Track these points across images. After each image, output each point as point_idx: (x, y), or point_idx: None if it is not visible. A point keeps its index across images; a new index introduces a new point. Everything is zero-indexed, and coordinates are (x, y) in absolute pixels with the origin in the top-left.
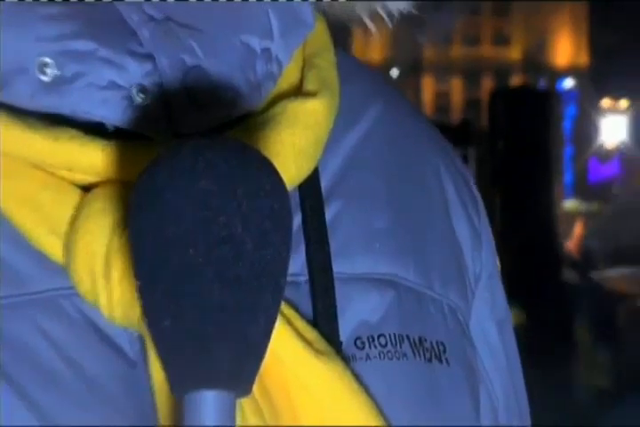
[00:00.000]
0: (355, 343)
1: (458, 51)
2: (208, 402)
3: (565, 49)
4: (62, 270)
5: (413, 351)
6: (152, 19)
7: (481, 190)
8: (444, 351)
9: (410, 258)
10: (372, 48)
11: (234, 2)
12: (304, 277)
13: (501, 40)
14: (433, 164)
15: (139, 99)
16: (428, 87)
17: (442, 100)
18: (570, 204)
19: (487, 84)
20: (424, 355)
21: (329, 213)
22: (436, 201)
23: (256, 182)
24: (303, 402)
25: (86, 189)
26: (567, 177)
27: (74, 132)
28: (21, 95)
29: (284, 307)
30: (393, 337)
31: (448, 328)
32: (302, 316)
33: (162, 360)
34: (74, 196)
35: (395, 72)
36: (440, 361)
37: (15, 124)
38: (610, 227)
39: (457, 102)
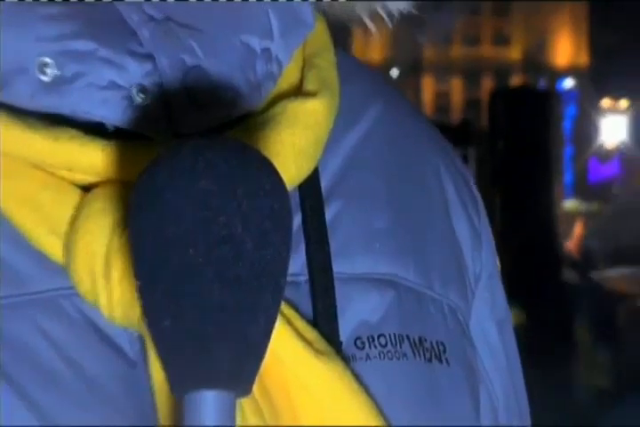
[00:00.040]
0: (355, 343)
1: (458, 51)
2: (208, 402)
3: (565, 49)
4: (62, 270)
5: (413, 351)
6: (152, 19)
7: (481, 190)
8: (444, 351)
9: (410, 258)
10: (372, 48)
11: (234, 2)
12: (304, 277)
13: (501, 40)
14: (433, 164)
15: (139, 99)
16: (428, 87)
17: (442, 100)
18: (570, 204)
19: (487, 84)
20: (424, 355)
21: (329, 213)
22: (436, 201)
23: (256, 182)
24: (303, 402)
25: (86, 189)
26: (567, 177)
27: (74, 132)
28: (21, 95)
29: (283, 307)
30: (393, 337)
31: (448, 328)
32: (302, 316)
33: (162, 360)
34: (74, 196)
35: (395, 72)
36: (440, 361)
37: (15, 124)
38: (610, 227)
39: (457, 102)
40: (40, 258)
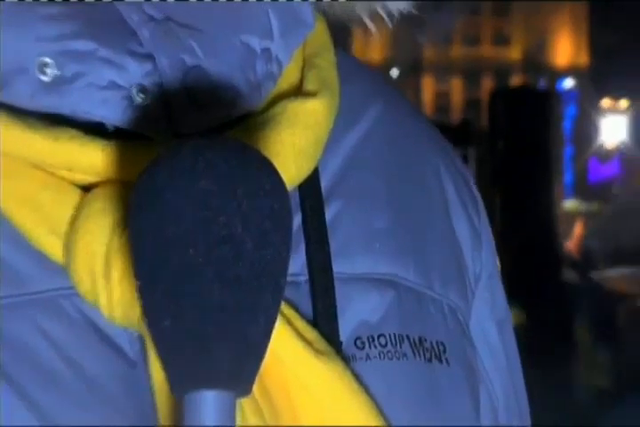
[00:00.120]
0: (355, 343)
1: (458, 51)
2: (208, 402)
3: (565, 49)
4: (62, 270)
5: (413, 351)
6: (152, 19)
7: (481, 190)
8: (444, 351)
9: (410, 258)
10: (372, 48)
11: (234, 2)
12: (304, 277)
13: (501, 40)
14: (433, 164)
15: (139, 99)
16: (428, 87)
17: (442, 100)
18: (570, 204)
19: (487, 84)
20: (424, 355)
21: (329, 213)
22: (436, 201)
23: (256, 182)
24: (303, 402)
25: (86, 189)
26: (567, 177)
27: (74, 132)
28: (21, 95)
29: (283, 307)
30: (393, 337)
31: (448, 328)
32: (302, 316)
33: (162, 360)
34: (74, 196)
35: (395, 72)
36: (440, 361)
37: (15, 124)
38: (610, 227)
39: (457, 102)
40: (40, 258)
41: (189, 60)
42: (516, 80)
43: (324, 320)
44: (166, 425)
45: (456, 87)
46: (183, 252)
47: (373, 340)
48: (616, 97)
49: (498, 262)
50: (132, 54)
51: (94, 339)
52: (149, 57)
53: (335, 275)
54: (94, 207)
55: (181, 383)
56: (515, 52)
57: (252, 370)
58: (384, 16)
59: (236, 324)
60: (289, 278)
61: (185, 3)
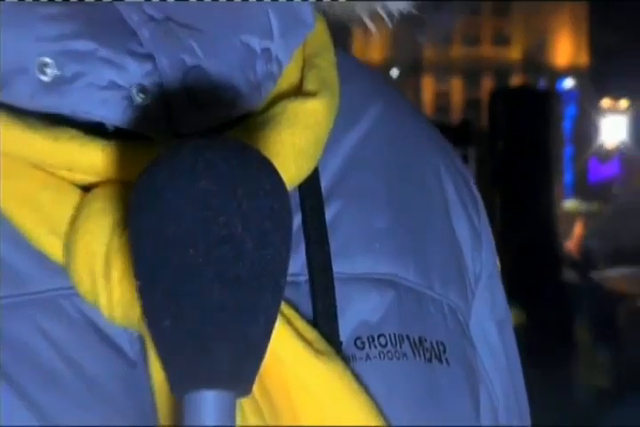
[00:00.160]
0: (355, 343)
1: (458, 51)
2: (208, 402)
3: (565, 49)
4: (62, 270)
5: (413, 351)
6: (152, 19)
7: (481, 190)
8: (444, 351)
9: (410, 258)
10: (372, 48)
11: (234, 2)
12: (304, 277)
13: (501, 40)
14: (433, 164)
15: (139, 99)
16: (428, 87)
17: (442, 100)
18: (570, 204)
19: (487, 84)
20: (424, 355)
21: (329, 213)
22: (436, 201)
23: (256, 182)
24: (303, 402)
25: (86, 188)
26: (567, 177)
27: (74, 132)
28: (21, 95)
29: (284, 307)
30: (393, 337)
31: (448, 328)
32: (302, 316)
33: (162, 360)
34: (74, 196)
35: (395, 72)
36: (440, 361)
37: (15, 124)
38: (610, 227)
39: (457, 102)
40: (40, 258)
41: (189, 60)
42: (515, 80)
43: (323, 320)
44: (166, 426)
45: (456, 87)
46: (183, 252)
47: (373, 340)
48: (616, 97)
49: (498, 262)
50: (132, 54)
51: (94, 339)
52: (149, 57)
53: (335, 275)
54: (94, 207)
55: (181, 383)
56: (515, 52)
57: (252, 370)
58: (384, 16)
59: (236, 324)
60: (289, 278)
61: (185, 3)
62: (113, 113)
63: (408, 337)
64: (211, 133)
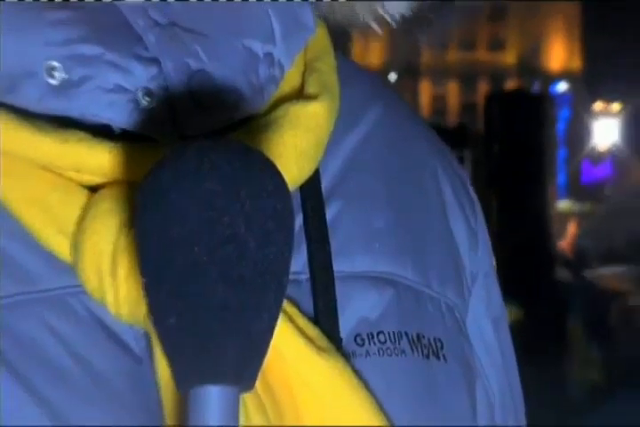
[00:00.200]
0: (355, 340)
1: (454, 55)
2: (212, 397)
3: (559, 54)
4: (70, 269)
5: (412, 348)
6: (157, 24)
7: (477, 191)
8: (442, 348)
9: (408, 257)
10: (371, 52)
11: (237, 7)
12: (305, 276)
13: (497, 45)
14: (431, 166)
15: (144, 102)
16: (425, 91)
17: (438, 104)
18: (563, 204)
19: (483, 87)
20: (422, 351)
21: (329, 214)
22: (434, 203)
23: (259, 183)
24: (305, 397)
25: (93, 189)
26: (561, 178)
27: (81, 134)
28: (30, 98)
29: (285, 305)
30: (392, 334)
31: (446, 326)
32: (304, 313)
33: (167, 357)
34: (81, 196)
35: (393, 76)
36: (438, 358)
37: (24, 126)
38: (602, 227)
39: (453, 106)
40: (49, 257)
41: (194, 64)
42: (510, 84)
43: (324, 318)
44: (172, 425)
45: (452, 91)
46: (188, 251)
47: (373, 337)
48: (608, 100)
49: (494, 261)
50: (138, 58)
51: (101, 336)
52: (155, 61)
53: (335, 273)
54: (101, 208)
55: (186, 379)
56: (510, 57)
57: (256, 366)
58: (388, 19)
59: (240, 321)
60: (291, 277)
61: (189, 8)
62: (119, 115)
63: (407, 334)
64: (215, 136)
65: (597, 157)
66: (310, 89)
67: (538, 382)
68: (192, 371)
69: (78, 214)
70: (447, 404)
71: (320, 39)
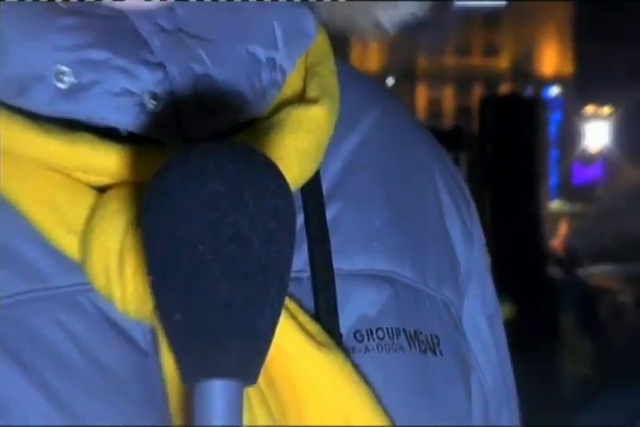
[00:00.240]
0: (354, 336)
1: (450, 61)
2: (217, 391)
3: (551, 59)
4: (79, 267)
5: (409, 344)
6: (163, 29)
7: (472, 192)
8: (439, 344)
9: (406, 257)
10: (370, 58)
11: (241, 14)
12: (306, 274)
13: (491, 51)
14: (428, 169)
15: (151, 105)
16: (422, 95)
17: (435, 107)
18: (555, 204)
19: (477, 91)
20: (420, 347)
21: (330, 214)
22: (432, 204)
23: (262, 184)
24: (306, 391)
25: (101, 189)
26: (553, 179)
27: (89, 136)
28: (40, 102)
29: (287, 301)
30: (390, 330)
31: (442, 322)
32: (305, 310)
33: (174, 352)
34: (89, 197)
35: (390, 80)
36: (434, 353)
37: (33, 128)
38: (593, 227)
39: (449, 109)
40: (58, 256)
41: (198, 69)
42: (504, 88)
43: (325, 314)
44: (179, 426)
45: (448, 95)
46: (193, 250)
47: (372, 333)
48: (599, 104)
49: (488, 260)
50: (145, 63)
51: (109, 331)
52: (160, 66)
53: (336, 271)
54: (109, 208)
55: (192, 374)
56: (503, 62)
57: (259, 361)
58: (386, 25)
59: (244, 318)
60: (292, 275)
61: (195, 15)
62: (126, 118)
63: (404, 330)
64: (219, 138)
65: (588, 159)
66: (311, 93)
67: (531, 377)
68: (197, 366)
69: (87, 214)
70: (444, 398)
71: (321, 45)
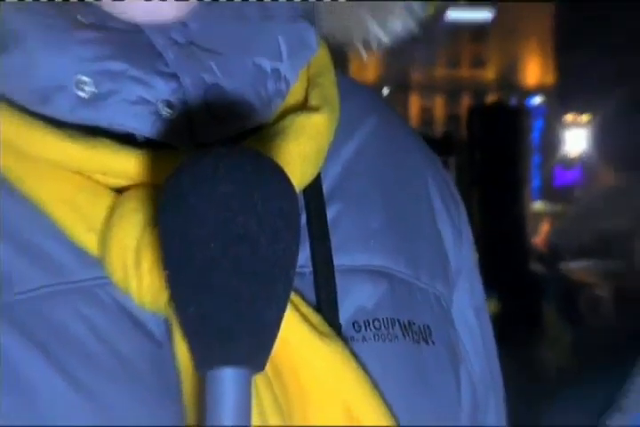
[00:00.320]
0: (353, 327)
1: (441, 72)
2: (228, 378)
3: (534, 70)
4: (98, 263)
5: (404, 334)
6: (176, 42)
7: (461, 194)
8: (431, 334)
9: (401, 255)
10: (366, 69)
11: (248, 28)
12: (308, 269)
13: (479, 63)
14: (422, 175)
15: (165, 113)
16: (415, 104)
17: (426, 115)
18: (538, 205)
19: (466, 101)
20: (413, 337)
21: (330, 214)
22: (424, 207)
23: (270, 186)
24: (309, 378)
25: (118, 191)
26: (535, 182)
27: (108, 141)
28: (62, 109)
29: (291, 295)
30: (386, 321)
31: (434, 314)
32: (307, 302)
33: (188, 342)
34: (108, 197)
35: (385, 90)
36: (427, 342)
37: (56, 134)
38: (573, 226)
39: (439, 117)
40: (79, 252)
41: (209, 79)
42: (491, 98)
43: (326, 306)
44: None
45: (439, 104)
46: (205, 248)
47: (369, 324)
48: (578, 112)
49: (476, 257)
50: (160, 74)
51: (126, 323)
52: (174, 76)
53: (336, 267)
54: (127, 207)
55: (205, 362)
56: (490, 74)
57: (266, 350)
58: (381, 40)
59: (252, 310)
60: (296, 270)
61: (206, 30)
62: (143, 125)
63: (399, 321)
64: (228, 143)
65: (568, 163)
66: (313, 102)
67: (515, 366)
68: (210, 355)
69: (105, 213)
70: (436, 384)
71: (322, 57)
